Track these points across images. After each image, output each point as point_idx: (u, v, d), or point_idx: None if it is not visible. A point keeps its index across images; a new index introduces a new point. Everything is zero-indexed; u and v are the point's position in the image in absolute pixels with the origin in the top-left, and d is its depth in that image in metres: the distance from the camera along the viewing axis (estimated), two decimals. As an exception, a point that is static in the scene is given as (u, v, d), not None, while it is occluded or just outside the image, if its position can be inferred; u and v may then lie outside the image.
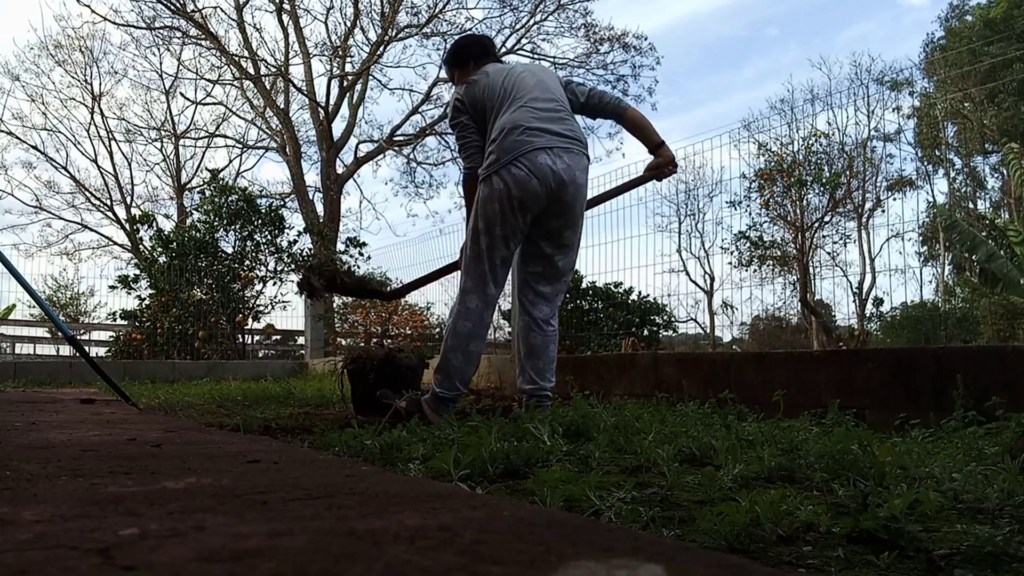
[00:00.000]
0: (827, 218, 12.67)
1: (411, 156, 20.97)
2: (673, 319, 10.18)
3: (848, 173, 14.04)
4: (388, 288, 3.65)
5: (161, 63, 23.87)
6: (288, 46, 19.52)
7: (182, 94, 23.04)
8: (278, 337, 12.45)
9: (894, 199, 20.97)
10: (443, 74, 19.93)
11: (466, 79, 3.23)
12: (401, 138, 19.99)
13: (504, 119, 2.98)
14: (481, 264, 3.00)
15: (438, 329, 11.73)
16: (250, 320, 10.43)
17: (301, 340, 11.11)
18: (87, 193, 23.41)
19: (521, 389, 3.12)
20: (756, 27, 44.09)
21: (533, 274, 3.11)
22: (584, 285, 9.46)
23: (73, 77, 22.28)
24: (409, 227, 24.40)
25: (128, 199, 23.69)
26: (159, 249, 10.28)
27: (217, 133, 23.56)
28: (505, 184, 2.90)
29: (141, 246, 12.79)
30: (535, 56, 19.84)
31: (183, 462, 1.69)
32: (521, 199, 2.91)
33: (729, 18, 43.68)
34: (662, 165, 3.33)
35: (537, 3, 19.19)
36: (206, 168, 21.19)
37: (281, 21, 19.35)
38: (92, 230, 23.61)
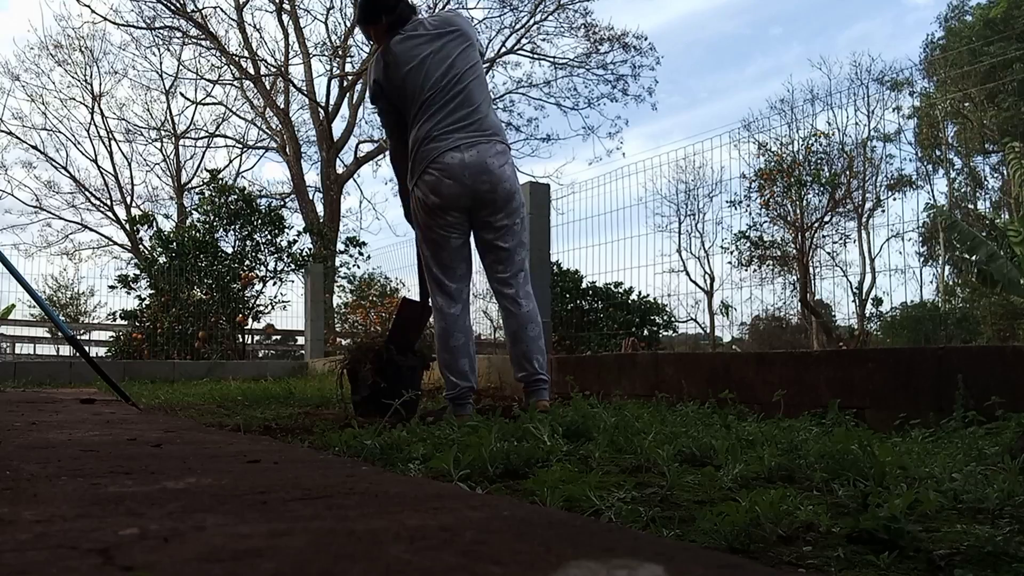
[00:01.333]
0: (827, 218, 12.68)
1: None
2: (673, 319, 10.19)
3: (848, 173, 14.05)
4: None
5: (161, 63, 23.88)
6: (288, 46, 19.55)
7: (182, 94, 23.09)
8: (278, 337, 12.46)
9: (894, 199, 20.98)
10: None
11: (382, 39, 3.20)
12: (401, 138, 19.96)
13: (417, 131, 3.08)
14: (432, 268, 3.19)
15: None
16: (250, 320, 10.44)
17: (301, 340, 11.11)
18: (87, 193, 23.44)
19: (516, 380, 3.21)
20: (758, 25, 44.12)
21: (489, 265, 3.21)
22: (584, 285, 9.46)
23: (73, 77, 22.32)
24: (409, 227, 24.36)
25: (128, 199, 23.71)
26: (159, 249, 10.28)
27: (217, 133, 23.60)
28: (423, 192, 3.07)
29: (141, 246, 12.80)
30: (535, 56, 19.85)
31: (183, 462, 1.69)
32: (439, 202, 3.04)
33: (731, 16, 43.69)
34: None
35: (537, 3, 19.19)
36: (206, 168, 21.20)
37: (281, 21, 19.37)
38: (92, 230, 23.64)
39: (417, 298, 3.53)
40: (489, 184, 3.02)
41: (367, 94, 3.31)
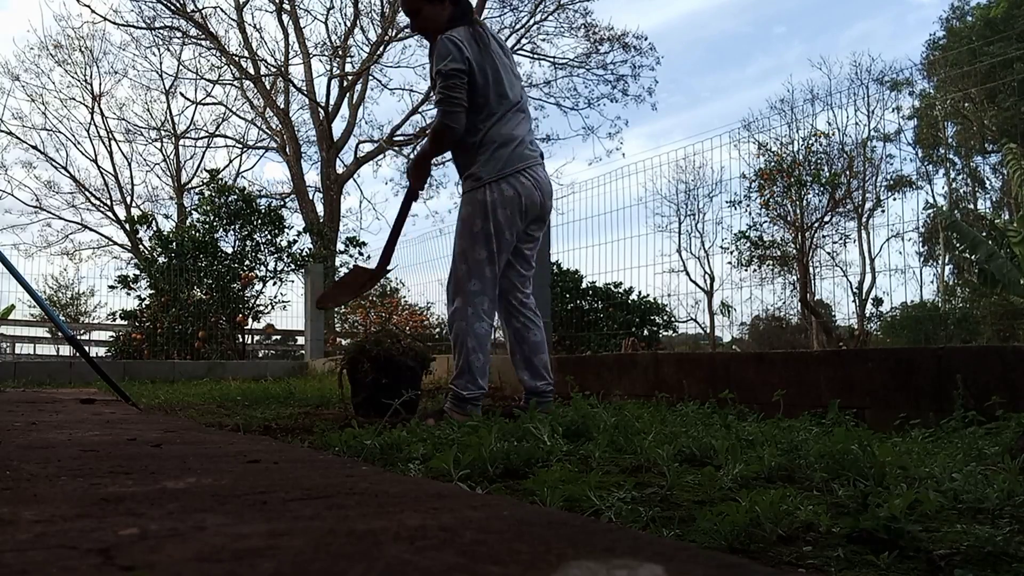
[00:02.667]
0: (827, 218, 12.69)
1: (411, 156, 20.95)
2: (673, 319, 10.19)
3: (848, 173, 14.05)
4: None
5: (161, 63, 23.85)
6: (288, 46, 19.56)
7: (182, 94, 23.07)
8: (278, 337, 12.46)
9: (894, 199, 20.98)
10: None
11: (432, 25, 3.12)
12: (401, 138, 20.01)
13: (504, 130, 3.09)
14: (487, 267, 3.08)
15: (438, 329, 11.73)
16: (250, 320, 10.44)
17: (301, 340, 11.12)
18: (87, 193, 23.43)
19: (532, 387, 3.23)
20: (760, 24, 44.00)
21: (518, 275, 3.27)
22: (584, 285, 9.46)
23: (73, 77, 22.31)
24: (409, 227, 24.35)
25: (128, 199, 23.71)
26: (159, 249, 10.28)
27: (217, 133, 23.59)
28: (516, 192, 3.09)
29: (141, 246, 12.80)
30: (535, 56, 19.84)
31: (183, 462, 1.69)
32: (527, 207, 3.13)
33: (733, 15, 43.56)
34: None
35: (537, 3, 19.19)
36: (205, 169, 21.21)
37: (281, 21, 19.38)
38: (92, 230, 23.63)
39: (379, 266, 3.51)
40: (550, 204, 3.31)
41: (443, 64, 2.99)
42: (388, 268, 3.54)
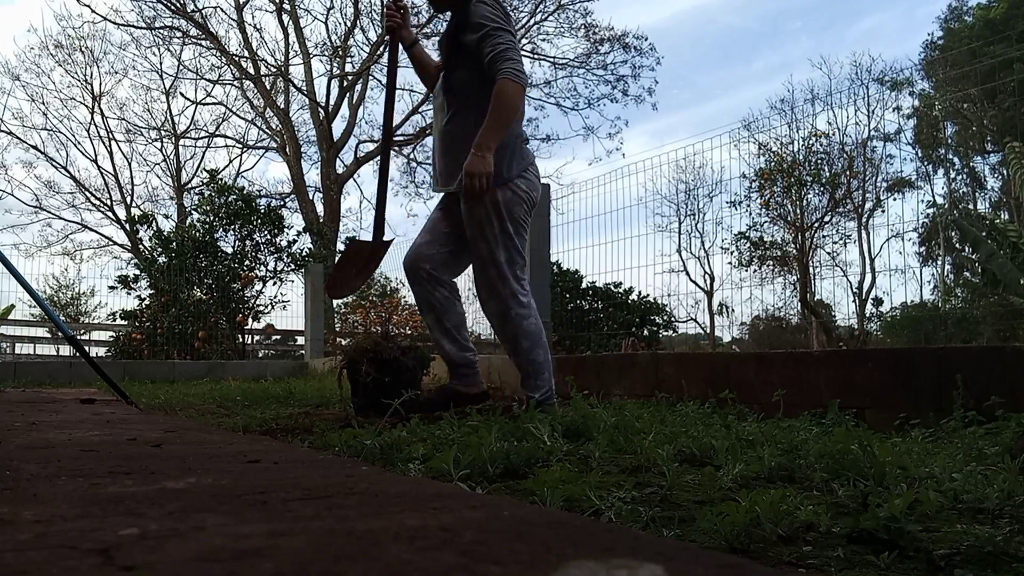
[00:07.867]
0: (827, 218, 12.70)
1: (411, 156, 20.99)
2: (673, 319, 10.19)
3: (848, 173, 14.05)
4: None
5: (161, 63, 23.81)
6: (288, 46, 19.57)
7: (182, 94, 23.08)
8: (278, 337, 12.46)
9: (894, 199, 20.98)
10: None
11: None
12: (401, 138, 20.00)
13: (521, 123, 3.17)
14: (518, 263, 3.04)
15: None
16: (250, 320, 10.44)
17: (301, 340, 11.11)
18: (87, 193, 23.43)
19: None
20: (767, 19, 43.80)
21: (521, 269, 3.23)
22: (584, 285, 9.46)
23: (73, 77, 22.31)
24: (409, 227, 24.44)
25: (128, 199, 23.71)
26: (159, 249, 10.28)
27: (217, 133, 23.60)
28: (527, 188, 3.09)
29: (141, 246, 12.81)
30: (535, 56, 19.84)
31: (183, 462, 1.69)
32: (534, 200, 3.13)
33: (740, 10, 43.38)
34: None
35: (537, 3, 19.19)
36: (205, 169, 21.21)
37: (281, 21, 19.38)
38: (92, 230, 23.64)
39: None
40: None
41: (497, 23, 2.83)
42: (387, 240, 3.31)
